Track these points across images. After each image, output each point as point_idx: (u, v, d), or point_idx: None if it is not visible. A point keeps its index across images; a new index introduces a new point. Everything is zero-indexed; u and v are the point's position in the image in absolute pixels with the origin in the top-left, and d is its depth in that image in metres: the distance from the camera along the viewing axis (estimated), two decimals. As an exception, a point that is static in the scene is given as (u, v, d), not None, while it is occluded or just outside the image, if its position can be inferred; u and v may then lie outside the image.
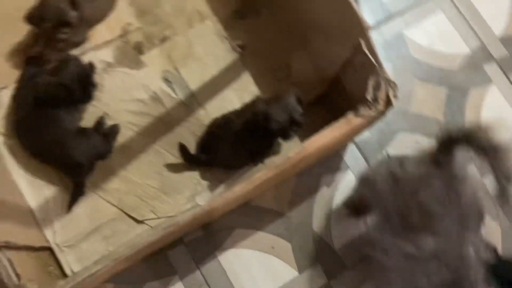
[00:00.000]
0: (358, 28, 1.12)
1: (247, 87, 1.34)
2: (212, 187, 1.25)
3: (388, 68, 1.14)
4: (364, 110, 1.10)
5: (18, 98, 1.17)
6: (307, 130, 1.24)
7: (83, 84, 1.14)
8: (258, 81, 1.35)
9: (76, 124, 1.19)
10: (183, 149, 1.23)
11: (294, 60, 1.37)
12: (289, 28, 1.39)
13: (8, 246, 0.92)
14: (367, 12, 1.47)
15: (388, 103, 1.11)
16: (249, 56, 1.37)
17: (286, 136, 1.15)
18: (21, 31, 1.25)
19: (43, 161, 1.17)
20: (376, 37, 1.44)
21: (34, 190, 1.18)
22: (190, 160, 1.24)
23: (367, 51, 1.11)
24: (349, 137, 1.28)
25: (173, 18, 1.37)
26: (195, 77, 1.33)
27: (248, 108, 1.21)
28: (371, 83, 1.11)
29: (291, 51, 1.38)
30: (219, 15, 1.39)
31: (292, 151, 1.05)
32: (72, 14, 1.19)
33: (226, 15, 1.39)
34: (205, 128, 1.27)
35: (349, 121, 1.10)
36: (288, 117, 1.12)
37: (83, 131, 1.18)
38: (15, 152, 1.18)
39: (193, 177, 1.25)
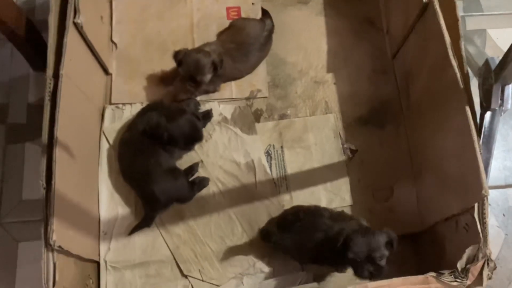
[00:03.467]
0: (477, 190, 1.01)
1: (340, 193, 1.29)
2: (262, 274, 1.21)
3: (499, 237, 1.02)
4: (448, 278, 0.98)
5: (133, 121, 1.26)
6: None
7: (188, 139, 1.20)
8: (354, 192, 1.30)
9: (171, 163, 1.24)
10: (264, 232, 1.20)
11: (398, 187, 1.30)
12: (407, 154, 1.33)
13: (61, 251, 0.97)
14: (499, 169, 1.35)
15: (479, 281, 0.98)
16: (356, 163, 1.33)
17: (357, 272, 1.04)
18: (170, 62, 1.34)
19: (129, 184, 1.24)
20: (501, 199, 1.31)
21: (110, 204, 1.24)
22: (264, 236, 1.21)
23: (477, 220, 1.00)
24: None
25: (300, 100, 1.39)
26: (295, 162, 1.32)
27: (342, 219, 1.14)
28: (467, 253, 1.00)
29: (399, 177, 1.31)
30: (345, 113, 1.38)
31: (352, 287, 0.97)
32: (206, 78, 1.26)
33: (351, 116, 1.37)
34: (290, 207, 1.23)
35: (427, 281, 0.99)
36: (366, 253, 1.02)
37: (173, 171, 1.23)
38: (111, 164, 1.27)
39: (250, 257, 1.22)
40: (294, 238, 1.16)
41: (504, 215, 1.31)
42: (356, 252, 1.02)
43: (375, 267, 1.02)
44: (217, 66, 1.26)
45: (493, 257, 1.01)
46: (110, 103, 1.34)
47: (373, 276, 1.02)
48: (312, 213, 1.16)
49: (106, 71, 1.35)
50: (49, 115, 1.05)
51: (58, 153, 1.02)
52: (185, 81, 1.27)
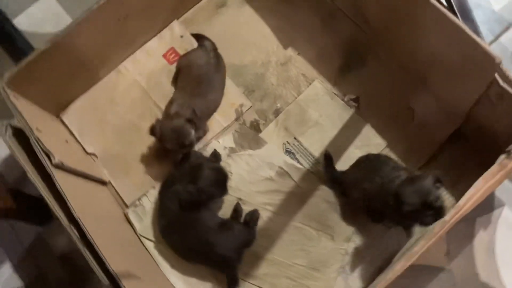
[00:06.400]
0: (489, 61, 1.01)
1: (371, 141, 1.29)
2: (360, 256, 1.20)
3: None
4: (518, 150, 0.99)
5: (161, 205, 1.23)
6: (448, 170, 1.21)
7: (219, 183, 1.17)
8: (381, 132, 1.29)
9: (216, 219, 1.21)
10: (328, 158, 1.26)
11: (415, 102, 1.30)
12: (402, 70, 1.32)
13: None
14: (489, 20, 1.35)
15: (545, 134, 0.99)
16: (366, 108, 1.32)
17: (422, 223, 1.04)
18: (148, 136, 1.30)
19: (192, 262, 1.21)
20: (509, 42, 1.32)
21: (191, 289, 1.22)
22: (328, 172, 1.25)
23: (506, 86, 1.00)
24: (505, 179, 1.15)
25: (280, 88, 1.37)
26: (315, 142, 1.31)
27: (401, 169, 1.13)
28: (518, 117, 1.00)
29: (409, 93, 1.30)
30: (325, 73, 1.36)
31: (449, 214, 0.97)
32: (192, 137, 1.21)
33: (332, 72, 1.36)
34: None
35: (503, 165, 0.99)
36: (420, 200, 1.00)
37: (224, 224, 1.20)
38: (166, 256, 1.24)
39: (339, 247, 1.21)
40: (357, 176, 1.18)
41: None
42: (410, 204, 1.00)
43: (435, 210, 1.01)
44: (194, 121, 1.21)
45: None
46: (127, 207, 1.30)
47: (436, 219, 1.00)
48: (378, 158, 1.19)
49: (103, 182, 1.31)
50: (93, 257, 1.02)
51: (125, 284, 0.99)
52: (176, 152, 1.23)
